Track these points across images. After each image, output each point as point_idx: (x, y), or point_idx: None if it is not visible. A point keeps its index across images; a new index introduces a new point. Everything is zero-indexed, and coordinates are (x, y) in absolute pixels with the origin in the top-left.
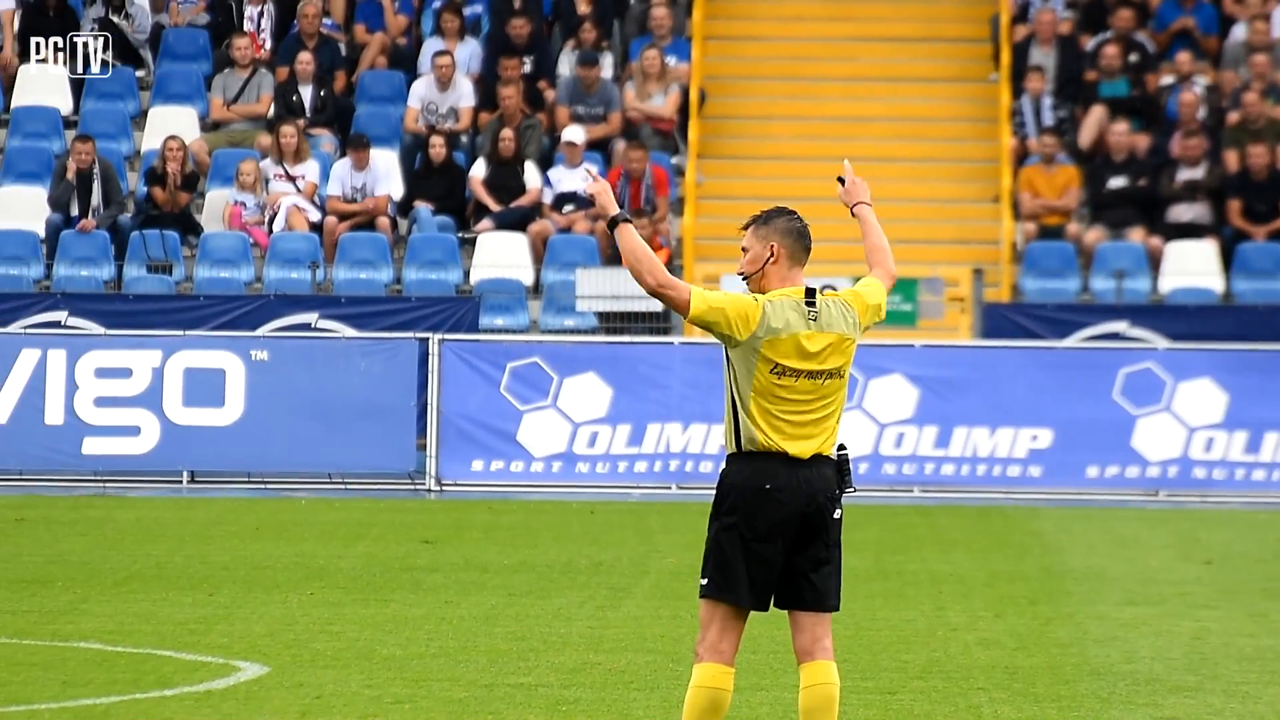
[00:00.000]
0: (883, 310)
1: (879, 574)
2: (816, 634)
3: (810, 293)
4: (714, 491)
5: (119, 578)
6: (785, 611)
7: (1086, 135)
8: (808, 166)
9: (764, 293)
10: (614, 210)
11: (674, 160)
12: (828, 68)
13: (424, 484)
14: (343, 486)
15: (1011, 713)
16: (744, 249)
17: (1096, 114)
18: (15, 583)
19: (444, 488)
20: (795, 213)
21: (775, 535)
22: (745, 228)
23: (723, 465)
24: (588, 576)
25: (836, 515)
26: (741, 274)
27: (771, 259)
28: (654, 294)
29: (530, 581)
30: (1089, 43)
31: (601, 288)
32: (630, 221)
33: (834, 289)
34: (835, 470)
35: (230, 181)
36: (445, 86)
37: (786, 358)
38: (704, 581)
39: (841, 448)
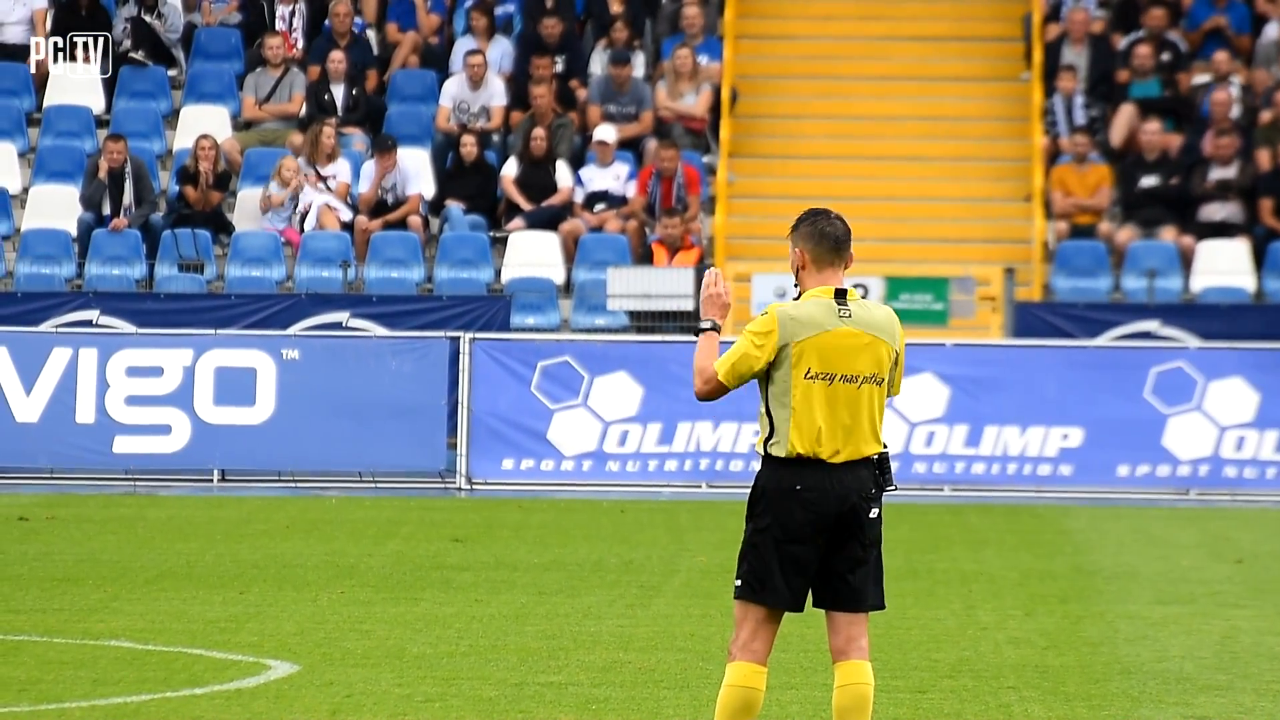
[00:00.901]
0: (899, 376)
1: (909, 573)
2: (852, 634)
3: (840, 294)
4: (745, 492)
5: (150, 576)
6: (822, 611)
7: (1117, 134)
8: (839, 166)
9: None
10: (707, 320)
11: (705, 159)
12: (859, 67)
13: (454, 483)
14: (373, 485)
15: (1042, 711)
16: None
17: (1126, 112)
18: (46, 581)
19: (474, 486)
20: (826, 213)
21: (809, 536)
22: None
23: (757, 468)
24: (618, 575)
25: (874, 515)
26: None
27: (801, 264)
28: (701, 397)
29: (560, 580)
30: (1121, 42)
31: (632, 287)
32: (715, 331)
33: (864, 288)
34: (873, 469)
35: (261, 181)
36: (477, 85)
37: (817, 360)
38: (738, 583)
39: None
